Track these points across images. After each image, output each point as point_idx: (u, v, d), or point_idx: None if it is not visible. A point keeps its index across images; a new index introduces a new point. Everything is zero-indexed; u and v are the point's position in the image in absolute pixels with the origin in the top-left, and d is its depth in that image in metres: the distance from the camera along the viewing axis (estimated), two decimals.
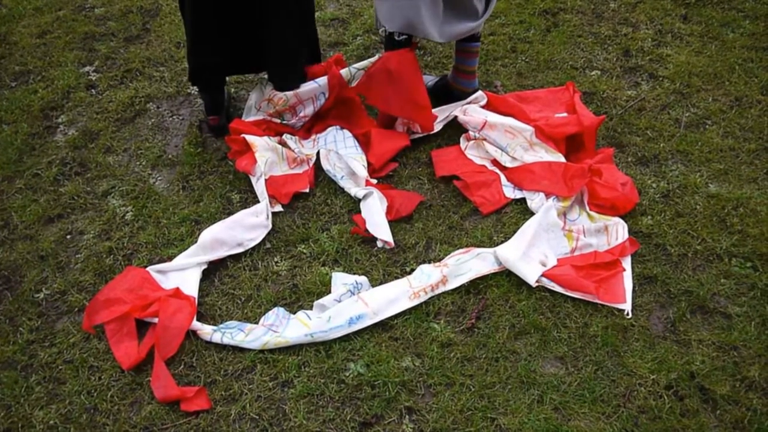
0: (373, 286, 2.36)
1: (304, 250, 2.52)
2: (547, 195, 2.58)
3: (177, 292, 2.31)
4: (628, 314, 2.25)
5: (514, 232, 2.51)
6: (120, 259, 2.52)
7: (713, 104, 3.02)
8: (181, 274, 2.40)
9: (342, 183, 2.74)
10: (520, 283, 2.34)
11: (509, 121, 2.82)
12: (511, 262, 2.34)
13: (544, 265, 2.36)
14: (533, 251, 2.39)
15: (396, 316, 2.27)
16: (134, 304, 2.26)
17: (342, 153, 2.79)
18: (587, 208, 2.56)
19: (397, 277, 2.39)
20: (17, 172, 2.92)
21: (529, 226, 2.46)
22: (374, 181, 2.71)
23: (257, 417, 2.05)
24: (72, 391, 2.13)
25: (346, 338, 2.22)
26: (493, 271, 2.37)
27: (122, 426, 2.03)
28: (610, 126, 2.95)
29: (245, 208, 2.67)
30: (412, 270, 2.40)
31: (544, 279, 2.33)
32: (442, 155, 2.84)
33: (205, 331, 2.24)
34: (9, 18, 3.88)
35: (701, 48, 3.34)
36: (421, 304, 2.30)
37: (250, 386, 2.12)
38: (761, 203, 2.56)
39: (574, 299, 2.29)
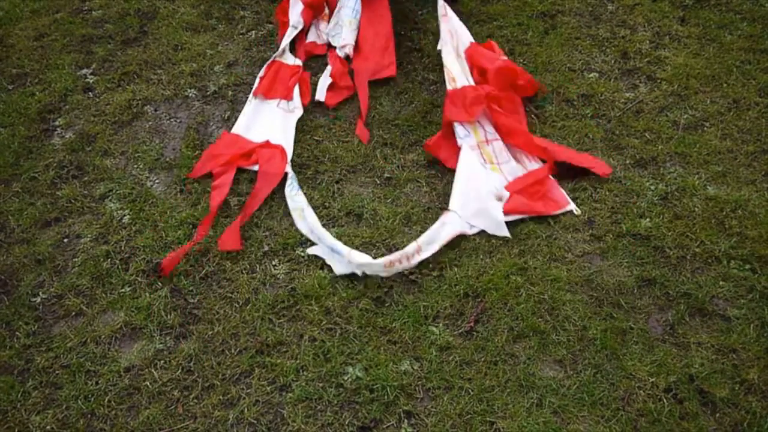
0: (365, 289, 2.36)
1: (302, 253, 2.51)
2: (455, 122, 2.80)
3: (268, 144, 2.87)
4: (576, 212, 2.55)
5: (512, 234, 2.51)
6: (117, 262, 2.51)
7: (711, 106, 3.02)
8: (263, 129, 2.97)
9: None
10: (519, 286, 2.34)
11: (460, 29, 3.23)
12: (477, 219, 2.52)
13: (500, 199, 2.58)
14: (484, 192, 2.58)
15: (394, 320, 2.26)
16: (234, 153, 2.82)
17: (341, 14, 3.42)
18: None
19: (395, 281, 2.39)
20: (14, 175, 2.91)
21: (459, 175, 2.63)
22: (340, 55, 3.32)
23: (255, 422, 2.04)
24: (69, 395, 2.12)
25: (344, 341, 2.22)
26: (464, 233, 2.49)
27: (120, 431, 2.02)
28: (608, 128, 2.95)
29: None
30: (411, 273, 2.40)
31: (508, 218, 2.54)
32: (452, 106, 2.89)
33: (289, 173, 2.74)
34: (6, 20, 3.87)
35: (699, 50, 3.34)
36: (419, 307, 2.29)
37: (248, 390, 2.11)
38: (759, 205, 2.56)
39: (572, 302, 2.29)
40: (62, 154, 3.00)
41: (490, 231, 2.52)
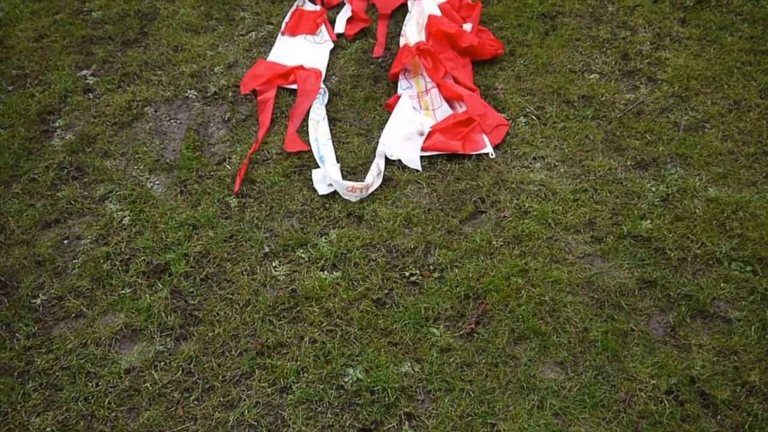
0: (366, 291, 2.36)
1: (303, 255, 2.51)
2: (399, 76, 3.26)
3: (302, 67, 3.32)
4: (492, 155, 2.81)
5: (513, 235, 2.51)
6: (117, 264, 2.51)
7: (712, 107, 3.02)
8: (295, 56, 3.42)
9: None
10: (520, 288, 2.34)
11: (428, 8, 3.48)
12: (397, 151, 2.83)
13: (422, 134, 2.90)
14: (410, 130, 2.92)
15: (395, 321, 2.26)
16: (274, 73, 3.28)
17: None
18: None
19: (395, 282, 2.39)
20: (14, 176, 2.91)
21: (392, 116, 3.00)
22: None
23: (256, 423, 2.03)
24: (69, 397, 2.12)
25: (344, 343, 2.21)
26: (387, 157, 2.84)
27: None
28: (609, 130, 2.95)
29: (243, 212, 2.67)
30: (412, 274, 2.41)
31: (423, 153, 2.85)
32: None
33: (322, 89, 3.20)
34: (6, 21, 3.86)
35: (700, 51, 3.34)
36: (419, 308, 2.29)
37: (249, 392, 2.11)
38: (760, 207, 2.56)
39: (573, 304, 2.29)
40: (62, 156, 2.99)
41: (405, 162, 2.83)
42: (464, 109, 3.03)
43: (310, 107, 3.14)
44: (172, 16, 3.81)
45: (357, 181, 2.76)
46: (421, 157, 2.86)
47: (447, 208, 2.66)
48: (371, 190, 2.73)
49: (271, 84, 3.27)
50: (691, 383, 2.06)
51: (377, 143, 2.90)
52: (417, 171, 2.81)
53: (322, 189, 2.75)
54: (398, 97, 3.12)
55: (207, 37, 3.65)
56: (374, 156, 2.85)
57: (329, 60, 3.46)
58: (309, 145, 2.95)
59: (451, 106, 3.12)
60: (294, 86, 3.28)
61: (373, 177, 2.74)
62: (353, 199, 2.70)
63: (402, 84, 3.24)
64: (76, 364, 2.21)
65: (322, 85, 3.24)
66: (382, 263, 2.46)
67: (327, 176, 2.75)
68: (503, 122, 2.98)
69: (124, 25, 3.77)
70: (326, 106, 3.16)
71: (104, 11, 3.90)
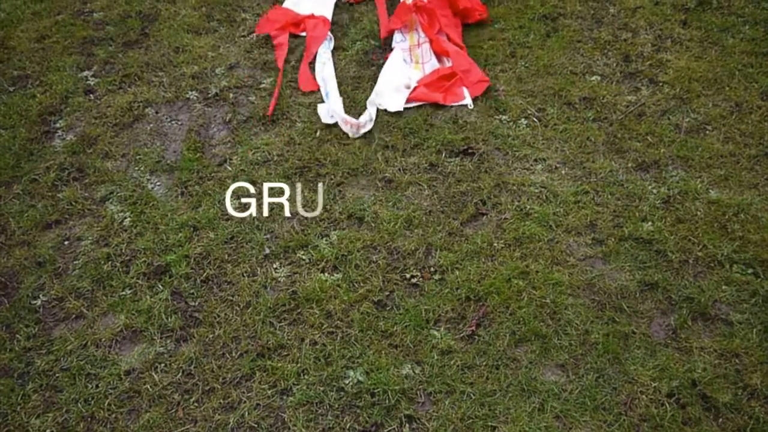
0: (366, 292, 2.36)
1: (303, 257, 2.51)
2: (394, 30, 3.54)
3: (312, 15, 3.66)
4: (470, 106, 3.07)
5: (514, 237, 2.51)
6: (118, 265, 2.50)
7: (713, 109, 3.02)
8: (308, 5, 3.76)
9: None
10: (521, 290, 2.33)
11: None
12: (384, 100, 3.07)
13: (408, 87, 3.15)
14: (397, 82, 3.15)
15: (395, 323, 2.26)
16: (287, 20, 3.64)
17: None
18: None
19: (396, 284, 2.39)
20: (15, 177, 2.91)
21: (384, 68, 3.24)
22: None
23: (256, 425, 2.03)
24: (69, 399, 2.12)
25: (345, 345, 2.21)
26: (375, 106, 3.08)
27: None
28: (610, 131, 2.95)
29: (243, 213, 2.67)
30: (413, 276, 2.41)
31: (408, 105, 3.10)
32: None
33: (329, 36, 3.56)
34: (7, 22, 3.86)
35: (701, 53, 3.33)
36: (420, 311, 2.29)
37: (249, 394, 2.11)
38: (762, 209, 2.56)
39: (574, 306, 2.28)
40: (63, 156, 2.99)
41: (390, 110, 3.08)
42: (449, 63, 3.26)
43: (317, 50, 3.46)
44: (174, 18, 3.81)
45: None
46: (422, 159, 2.86)
47: (448, 210, 2.66)
48: (363, 131, 2.98)
49: (284, 30, 3.62)
50: (693, 386, 2.06)
51: (378, 144, 2.91)
52: (417, 170, 2.81)
53: (325, 118, 3.07)
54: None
55: (208, 39, 3.65)
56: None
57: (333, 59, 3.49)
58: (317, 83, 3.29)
59: (439, 61, 3.37)
60: (303, 34, 3.62)
61: (365, 120, 3.00)
62: (349, 133, 2.98)
63: (396, 37, 3.51)
64: (76, 365, 2.20)
65: (329, 33, 3.57)
66: (383, 265, 2.46)
67: (330, 109, 3.07)
68: (485, 79, 3.20)
69: (126, 26, 3.77)
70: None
71: (105, 12, 3.90)
